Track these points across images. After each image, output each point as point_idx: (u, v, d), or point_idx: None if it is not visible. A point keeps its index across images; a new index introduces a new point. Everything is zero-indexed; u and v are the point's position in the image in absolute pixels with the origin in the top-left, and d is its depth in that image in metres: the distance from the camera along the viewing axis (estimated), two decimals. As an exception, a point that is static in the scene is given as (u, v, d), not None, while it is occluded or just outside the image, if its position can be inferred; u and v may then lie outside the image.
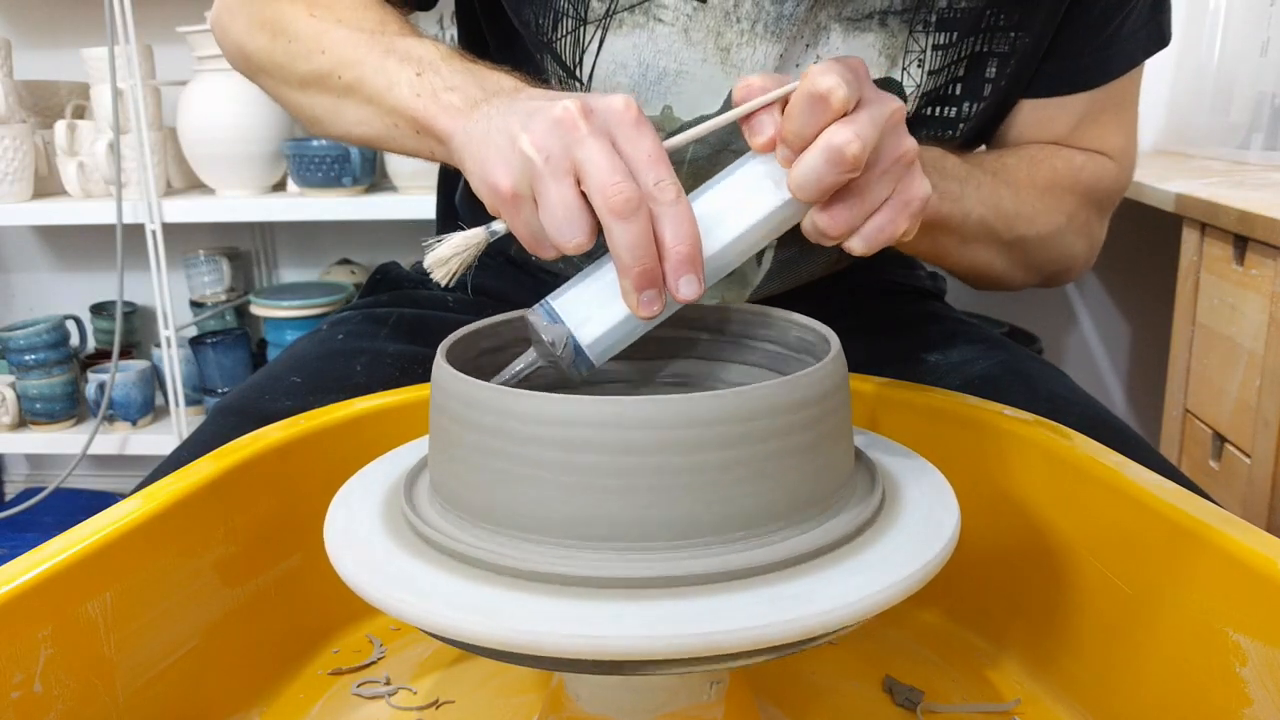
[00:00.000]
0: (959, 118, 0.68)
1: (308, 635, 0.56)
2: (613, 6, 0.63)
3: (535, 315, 0.44)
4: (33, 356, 1.77)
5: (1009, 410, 0.54)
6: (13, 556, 0.40)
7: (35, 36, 1.92)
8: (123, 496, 0.47)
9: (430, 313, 0.76)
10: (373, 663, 0.55)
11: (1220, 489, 1.07)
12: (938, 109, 0.67)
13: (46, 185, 1.78)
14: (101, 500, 2.03)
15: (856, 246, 0.45)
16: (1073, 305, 1.89)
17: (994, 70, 0.67)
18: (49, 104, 1.81)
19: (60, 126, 1.66)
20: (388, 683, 0.53)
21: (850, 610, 0.34)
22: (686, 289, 0.42)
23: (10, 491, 2.16)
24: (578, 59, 0.65)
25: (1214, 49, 1.55)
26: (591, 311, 0.43)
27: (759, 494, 0.36)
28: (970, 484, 0.47)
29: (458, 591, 0.35)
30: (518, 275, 0.79)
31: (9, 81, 1.66)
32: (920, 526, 0.39)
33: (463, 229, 0.46)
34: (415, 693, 0.52)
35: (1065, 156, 0.71)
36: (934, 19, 0.63)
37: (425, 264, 0.45)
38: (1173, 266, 1.20)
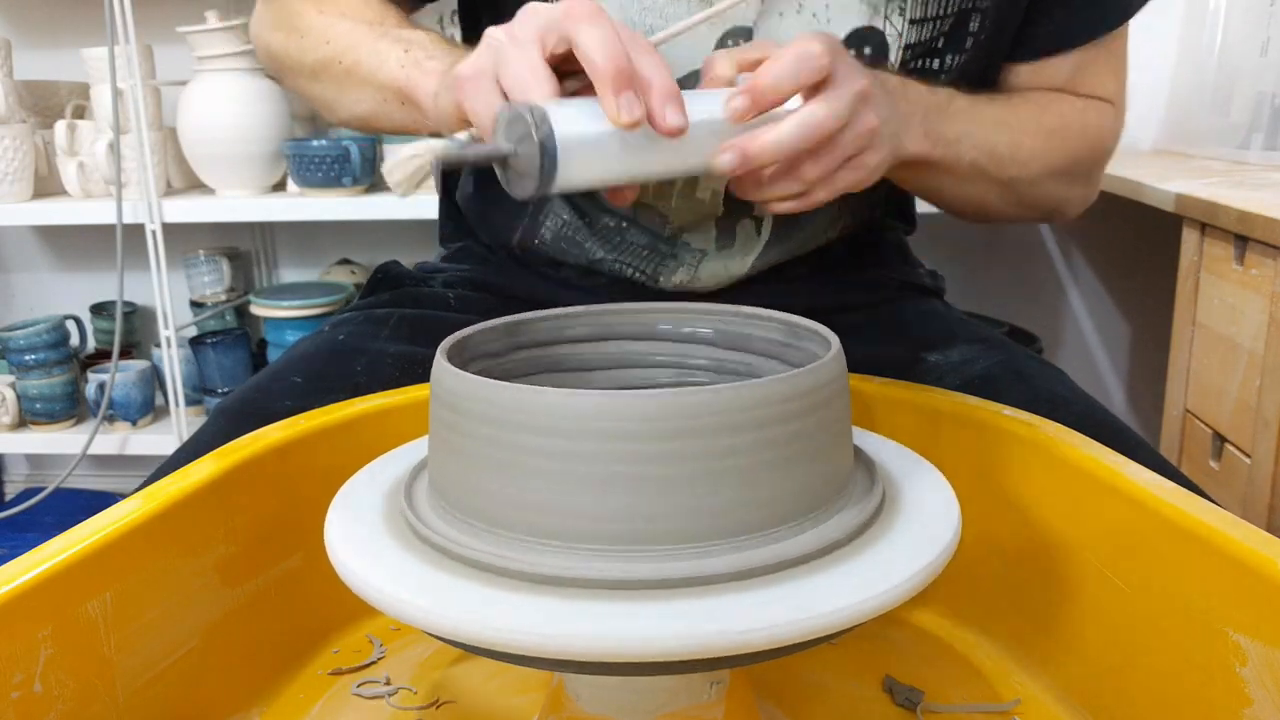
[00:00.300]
0: (941, 69, 0.69)
1: (308, 635, 0.56)
2: None
3: (517, 105, 0.44)
4: (33, 356, 1.77)
5: (1009, 410, 0.54)
6: (13, 556, 0.40)
7: (35, 36, 1.92)
8: (123, 496, 0.47)
9: (431, 313, 0.76)
10: (373, 663, 0.55)
11: (1220, 489, 1.07)
12: (922, 61, 0.68)
13: (46, 185, 1.78)
14: (101, 500, 2.03)
15: (791, 206, 0.52)
16: (1073, 305, 1.89)
17: (976, 24, 0.68)
18: (49, 104, 1.81)
19: (60, 126, 1.66)
20: (388, 683, 0.53)
21: (850, 611, 0.34)
22: (673, 118, 0.45)
23: (10, 491, 2.16)
24: None
25: (1214, 49, 1.54)
26: (574, 118, 0.44)
27: (759, 494, 0.36)
28: (970, 484, 0.47)
29: (458, 591, 0.35)
30: (521, 272, 0.79)
31: (9, 81, 1.66)
32: (920, 527, 0.39)
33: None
34: (415, 693, 0.52)
35: (1071, 102, 0.73)
36: None
37: (384, 169, 0.48)
38: (1173, 266, 1.20)
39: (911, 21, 0.66)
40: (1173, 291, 1.20)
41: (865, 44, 0.66)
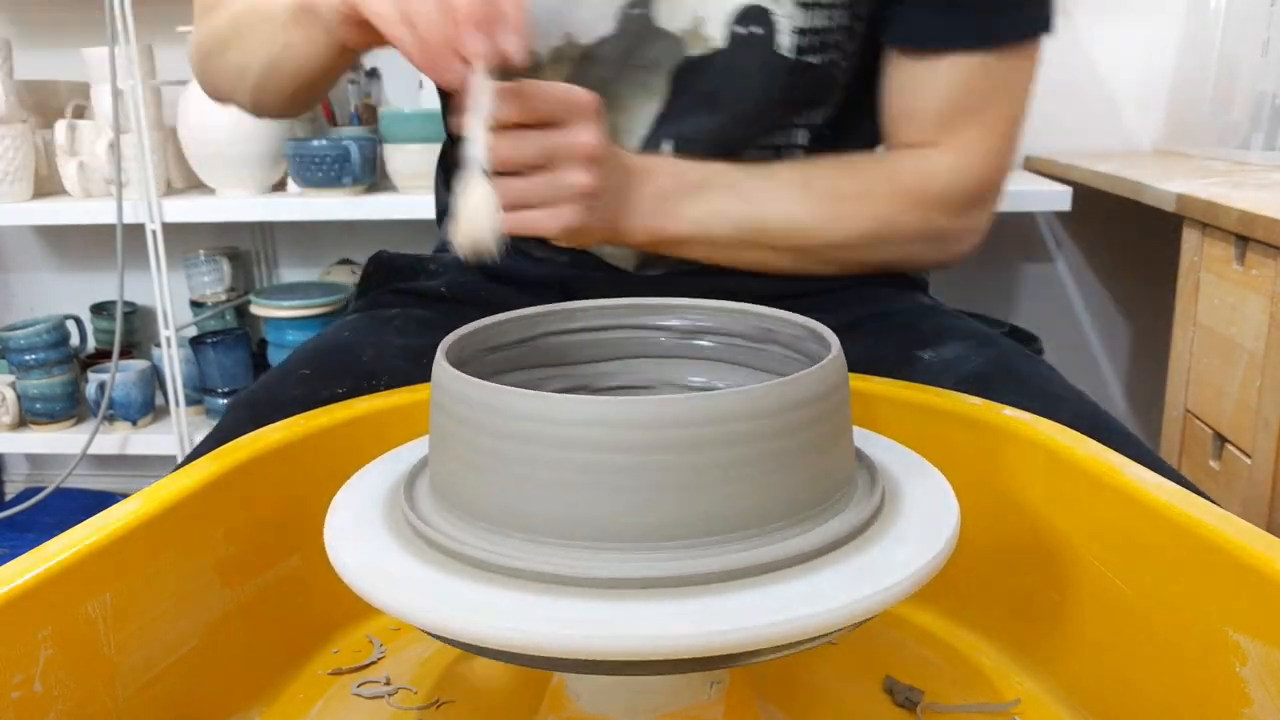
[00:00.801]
0: (840, 59, 0.70)
1: (308, 635, 0.56)
2: None
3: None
4: (33, 356, 1.77)
5: (1009, 410, 0.54)
6: (13, 556, 0.40)
7: (35, 36, 1.92)
8: (123, 496, 0.47)
9: (432, 306, 0.77)
10: (373, 663, 0.55)
11: (1220, 489, 1.07)
12: (819, 57, 0.70)
13: (47, 185, 1.78)
14: (101, 500, 2.03)
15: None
16: (1073, 305, 1.89)
17: (865, 8, 0.69)
18: (49, 104, 1.81)
19: (60, 126, 1.66)
20: (388, 683, 0.53)
21: (850, 610, 0.34)
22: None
23: (10, 491, 2.16)
24: None
25: (1214, 49, 1.55)
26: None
27: (759, 494, 0.36)
28: (970, 484, 0.47)
29: (458, 591, 0.35)
30: (512, 252, 0.80)
31: (9, 81, 1.66)
32: (920, 526, 0.39)
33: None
34: (415, 693, 0.52)
35: (888, 162, 0.72)
36: None
37: (461, 252, 0.50)
38: (1173, 266, 1.20)
39: (800, 4, 0.67)
40: (1173, 291, 1.20)
41: (753, 23, 0.67)
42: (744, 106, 0.71)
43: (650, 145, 0.73)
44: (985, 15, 0.68)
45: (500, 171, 0.57)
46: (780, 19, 0.68)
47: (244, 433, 0.55)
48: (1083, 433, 0.50)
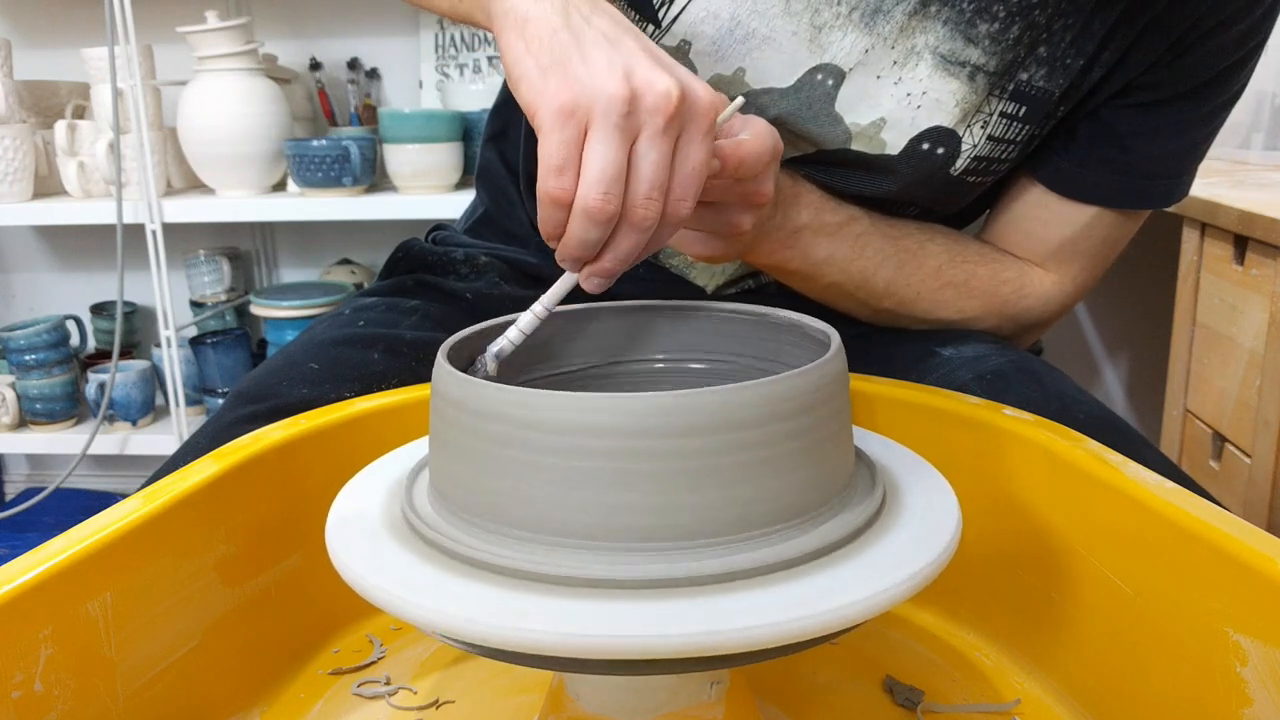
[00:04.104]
0: (983, 183, 0.70)
1: (308, 635, 0.56)
2: None
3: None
4: (33, 356, 1.77)
5: (1010, 410, 0.54)
6: (13, 556, 0.40)
7: (35, 36, 1.92)
8: (123, 496, 0.47)
9: (453, 303, 0.76)
10: (373, 663, 0.55)
11: (1220, 489, 1.07)
12: (978, 179, 0.69)
13: (47, 185, 1.78)
14: (101, 500, 2.03)
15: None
16: (1073, 305, 1.89)
17: (1039, 140, 0.68)
18: (49, 104, 1.81)
19: (60, 126, 1.66)
20: (388, 683, 0.53)
21: (851, 611, 0.34)
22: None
23: (10, 491, 2.16)
24: None
25: (1214, 49, 1.54)
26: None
27: (759, 493, 0.36)
28: (970, 484, 0.47)
29: (458, 591, 0.35)
30: (538, 241, 0.80)
31: (9, 81, 1.66)
32: (921, 527, 0.39)
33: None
34: (415, 693, 0.52)
35: (996, 265, 0.72)
36: (1011, 87, 0.65)
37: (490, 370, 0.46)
38: (1173, 266, 1.20)
39: (990, 138, 0.67)
40: (1173, 291, 1.20)
41: (940, 144, 0.66)
42: (886, 193, 0.70)
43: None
44: (1141, 179, 0.69)
45: None
46: (966, 146, 0.66)
47: (243, 429, 0.55)
48: (1096, 436, 0.50)
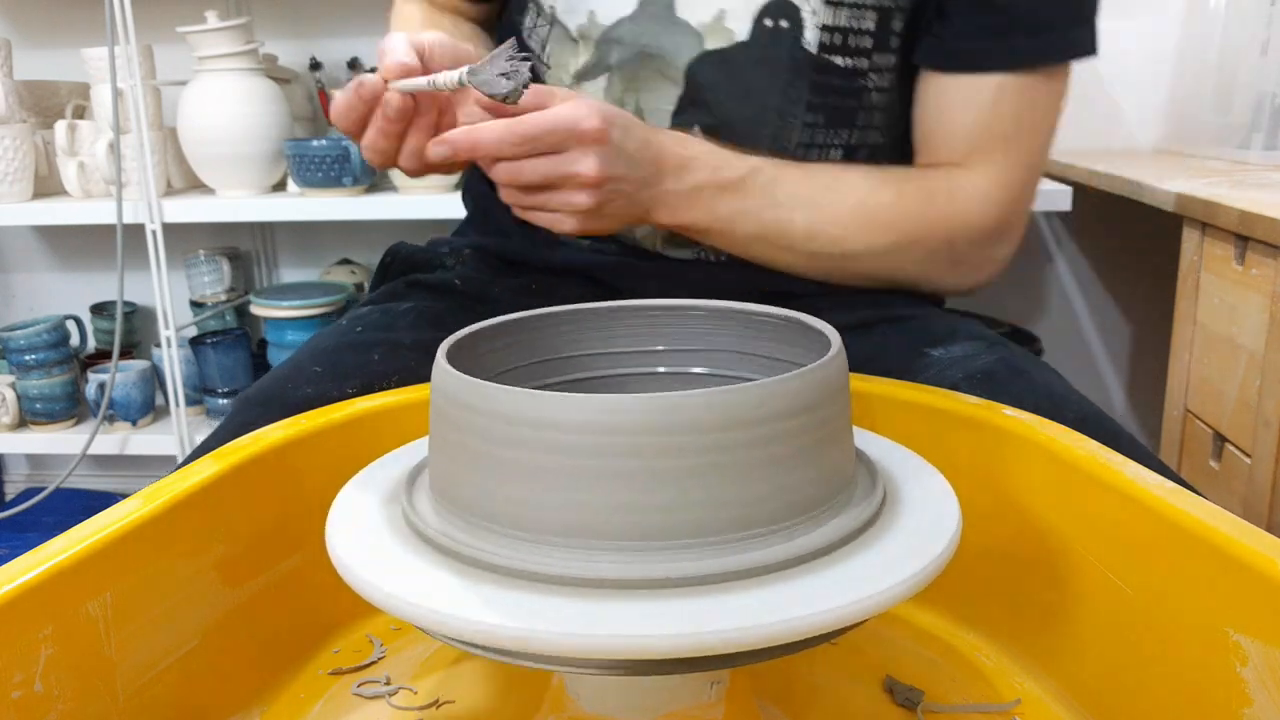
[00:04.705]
0: (869, 68, 0.71)
1: (308, 635, 0.56)
2: None
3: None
4: (33, 356, 1.77)
5: (1009, 410, 0.54)
6: (13, 556, 0.40)
7: (35, 36, 1.92)
8: (123, 496, 0.47)
9: (447, 300, 0.77)
10: (373, 663, 0.55)
11: (1220, 489, 1.07)
12: (844, 59, 0.70)
13: (47, 185, 1.78)
14: (101, 500, 2.03)
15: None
16: (1073, 305, 1.89)
17: (900, 24, 0.69)
18: (49, 104, 1.81)
19: (60, 126, 1.66)
20: (388, 683, 0.53)
21: (850, 610, 0.34)
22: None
23: (10, 491, 2.16)
24: None
25: (1214, 49, 1.55)
26: None
27: (760, 494, 0.36)
28: (970, 484, 0.47)
29: (458, 591, 0.35)
30: (526, 238, 0.81)
31: (9, 81, 1.66)
32: (921, 527, 0.39)
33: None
34: (415, 693, 0.52)
35: (920, 179, 0.71)
36: None
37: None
38: (1173, 266, 1.20)
39: (828, 3, 0.68)
40: (1173, 291, 1.20)
41: (781, 16, 0.68)
42: (768, 102, 0.71)
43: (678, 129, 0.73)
44: (1025, 35, 0.68)
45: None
46: (806, 14, 0.68)
47: (250, 430, 0.55)
48: (1086, 435, 0.50)
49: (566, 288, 0.77)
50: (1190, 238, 1.14)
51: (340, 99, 0.63)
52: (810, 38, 0.68)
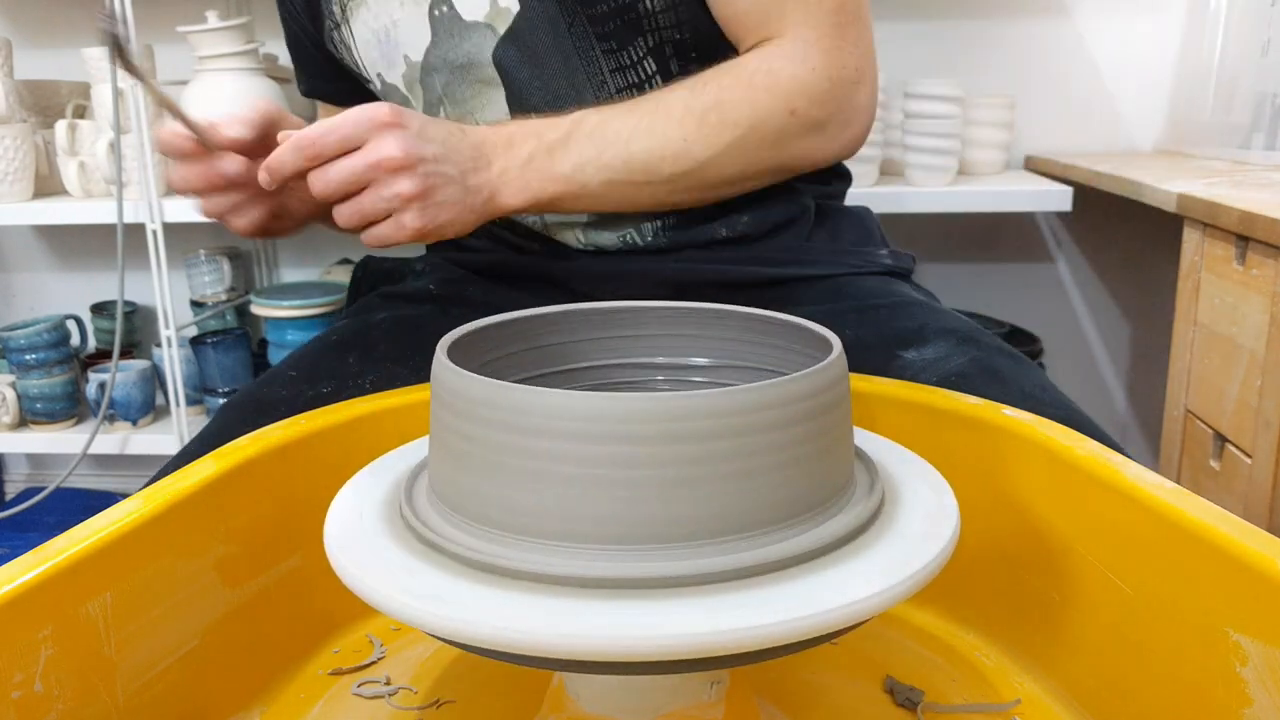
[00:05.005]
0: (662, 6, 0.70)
1: (308, 635, 0.56)
2: (342, 3, 0.77)
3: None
4: (33, 356, 1.77)
5: (1009, 410, 0.54)
6: (13, 556, 0.40)
7: (35, 36, 1.92)
8: (123, 496, 0.47)
9: (419, 311, 0.79)
10: (373, 663, 0.55)
11: (1221, 489, 1.07)
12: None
13: (47, 185, 1.78)
14: (101, 500, 2.03)
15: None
16: (1073, 305, 1.89)
17: None
18: (49, 104, 1.81)
19: (61, 126, 1.66)
20: (388, 683, 0.53)
21: (850, 610, 0.34)
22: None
23: (11, 491, 2.16)
24: (355, 58, 0.80)
25: (1215, 49, 1.55)
26: None
27: (759, 494, 0.36)
28: (970, 484, 0.47)
29: (458, 592, 0.35)
30: (488, 242, 0.83)
31: (9, 81, 1.66)
32: (920, 527, 0.39)
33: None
34: (415, 693, 0.52)
35: (736, 67, 0.71)
36: None
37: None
38: (1174, 266, 1.20)
39: None
40: (1173, 291, 1.20)
41: None
42: (564, 54, 0.72)
43: None
44: None
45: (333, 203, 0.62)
46: None
47: (232, 434, 0.55)
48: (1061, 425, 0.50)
49: (533, 292, 0.78)
50: (1191, 238, 1.14)
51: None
52: None
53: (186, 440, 1.75)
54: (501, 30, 0.72)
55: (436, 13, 0.73)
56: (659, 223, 0.78)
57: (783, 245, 0.79)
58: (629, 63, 0.73)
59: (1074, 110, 1.79)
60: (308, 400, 0.65)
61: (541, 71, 0.73)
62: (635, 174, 0.69)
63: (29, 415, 1.82)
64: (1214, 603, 0.40)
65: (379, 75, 0.79)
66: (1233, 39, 1.50)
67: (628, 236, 0.78)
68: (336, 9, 0.78)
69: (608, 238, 0.78)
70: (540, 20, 0.71)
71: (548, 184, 0.68)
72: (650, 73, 0.73)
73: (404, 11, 0.74)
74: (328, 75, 0.86)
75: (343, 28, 0.78)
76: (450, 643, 0.36)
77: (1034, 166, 1.74)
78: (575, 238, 0.79)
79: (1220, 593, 0.40)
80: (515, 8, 0.71)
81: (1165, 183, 1.21)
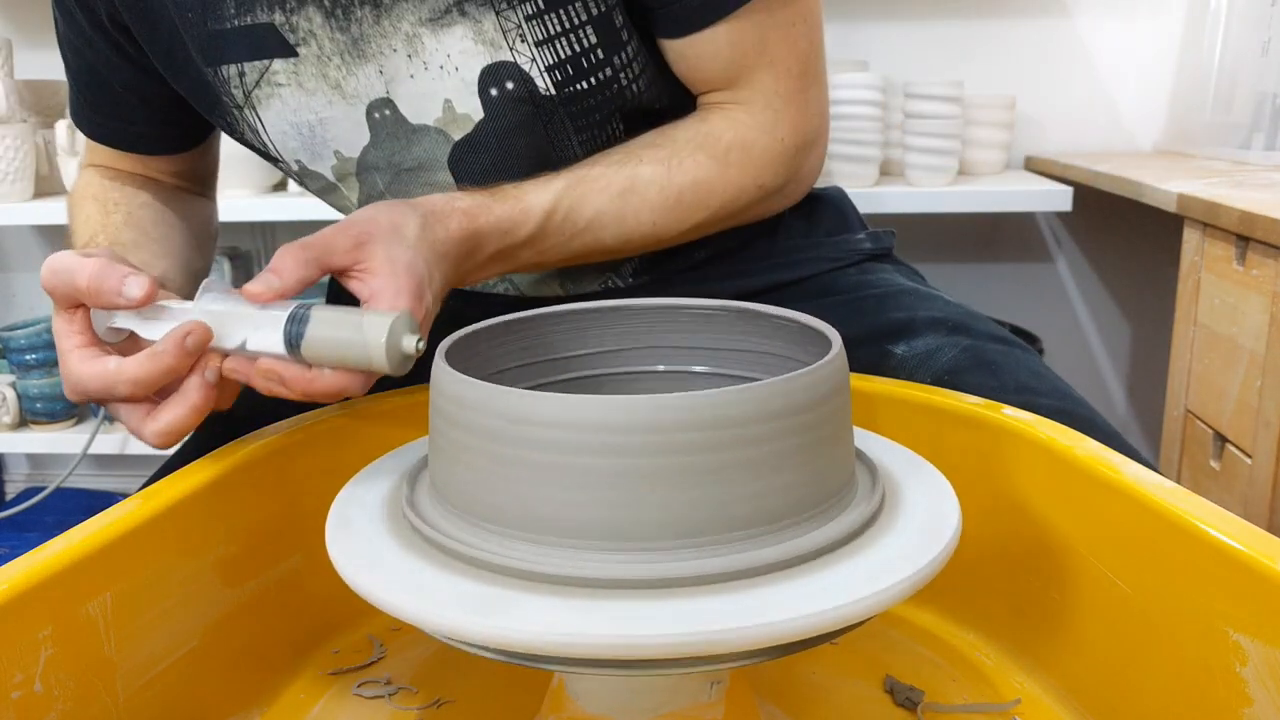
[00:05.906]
0: (619, 78, 0.67)
1: (308, 635, 0.56)
2: (247, 88, 0.69)
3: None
4: (33, 356, 1.77)
5: (1009, 410, 0.54)
6: (13, 556, 0.40)
7: (36, 36, 1.92)
8: (123, 496, 0.47)
9: None
10: (373, 663, 0.55)
11: (1221, 489, 1.07)
12: (588, 80, 0.67)
13: (47, 185, 1.78)
14: (101, 500, 2.03)
15: None
16: (1073, 305, 1.89)
17: (621, 19, 0.66)
18: (50, 103, 1.81)
19: (61, 126, 1.66)
20: (388, 683, 0.53)
21: (850, 610, 0.34)
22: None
23: (11, 491, 2.16)
24: (262, 141, 0.73)
25: (1215, 49, 1.55)
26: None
27: (759, 494, 0.36)
28: (970, 484, 0.47)
29: (458, 591, 0.35)
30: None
31: (10, 81, 1.66)
32: (921, 526, 0.39)
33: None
34: (415, 693, 0.52)
35: (703, 137, 0.69)
36: None
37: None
38: (1174, 266, 1.20)
39: (538, 44, 0.65)
40: (1173, 291, 1.20)
41: (506, 79, 0.65)
42: (539, 155, 0.69)
43: None
44: None
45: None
46: (526, 65, 0.65)
47: (215, 435, 0.54)
48: (1060, 424, 0.50)
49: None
50: (1191, 238, 1.14)
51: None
52: (543, 84, 0.66)
53: (186, 440, 1.75)
54: (457, 137, 0.68)
55: (377, 115, 0.68)
56: (635, 263, 0.76)
57: (762, 252, 0.78)
58: (597, 127, 0.70)
59: (1074, 110, 1.79)
60: (267, 406, 0.63)
61: (506, 165, 0.69)
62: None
63: (29, 415, 1.82)
64: (1214, 603, 0.40)
65: (298, 161, 0.74)
66: (1233, 39, 1.50)
67: (609, 281, 0.77)
68: (238, 93, 0.69)
69: (589, 285, 0.77)
70: (512, 126, 0.68)
71: (509, 268, 0.66)
72: (618, 133, 0.71)
73: (333, 110, 0.68)
74: (148, 120, 0.78)
75: (246, 111, 0.71)
76: (450, 642, 0.36)
77: (1034, 166, 1.74)
78: (555, 290, 0.77)
79: (1220, 593, 0.40)
80: (477, 115, 0.67)
81: (1165, 183, 1.21)
